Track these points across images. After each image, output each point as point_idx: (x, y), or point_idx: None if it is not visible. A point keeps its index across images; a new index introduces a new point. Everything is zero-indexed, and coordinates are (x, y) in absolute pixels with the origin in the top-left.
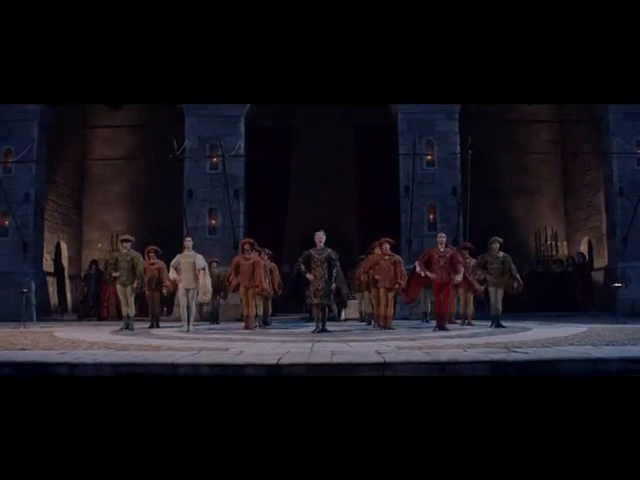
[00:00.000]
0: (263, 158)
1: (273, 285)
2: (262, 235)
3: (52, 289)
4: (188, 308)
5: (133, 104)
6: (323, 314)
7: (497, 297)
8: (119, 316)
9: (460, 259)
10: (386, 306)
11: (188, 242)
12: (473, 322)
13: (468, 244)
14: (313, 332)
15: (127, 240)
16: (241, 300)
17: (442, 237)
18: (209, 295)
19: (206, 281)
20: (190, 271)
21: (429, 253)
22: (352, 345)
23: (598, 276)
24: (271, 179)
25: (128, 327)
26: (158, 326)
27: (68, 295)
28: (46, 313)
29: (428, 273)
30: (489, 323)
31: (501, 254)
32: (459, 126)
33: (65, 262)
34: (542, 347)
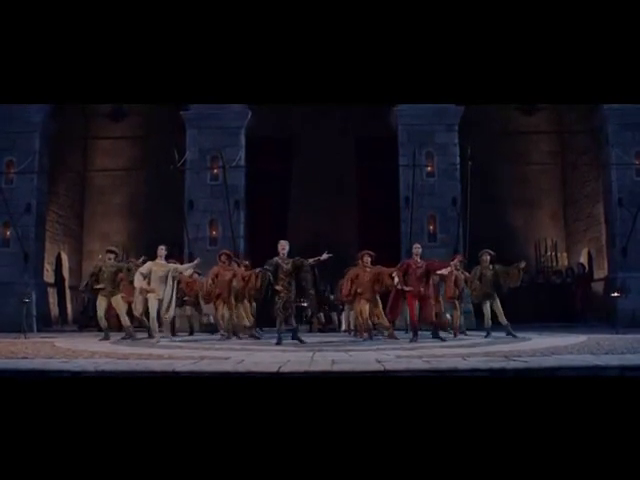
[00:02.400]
0: (264, 169)
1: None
2: (262, 246)
3: (53, 300)
4: (155, 319)
5: (134, 115)
6: (293, 326)
7: (498, 309)
8: (119, 327)
9: (437, 268)
10: (376, 316)
11: (161, 250)
12: (465, 334)
13: (459, 256)
14: (277, 344)
15: (112, 251)
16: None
17: (417, 248)
18: (171, 312)
19: (172, 298)
20: (163, 282)
21: (407, 264)
22: (352, 354)
23: (598, 287)
24: (272, 190)
25: (128, 336)
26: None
27: (68, 306)
28: (46, 324)
29: (405, 287)
30: (484, 334)
31: (491, 267)
32: (459, 137)
33: (66, 273)
34: (541, 356)
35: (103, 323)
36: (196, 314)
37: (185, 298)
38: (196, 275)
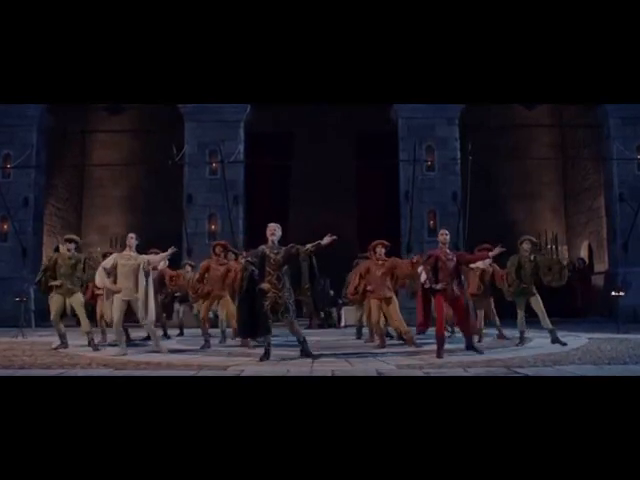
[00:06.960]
0: (263, 164)
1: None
2: (262, 241)
3: None
4: (118, 324)
5: (132, 109)
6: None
7: (540, 309)
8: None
9: (470, 261)
10: (391, 320)
11: (131, 239)
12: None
13: (487, 245)
14: (261, 359)
15: (71, 240)
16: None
17: (445, 234)
18: (151, 316)
19: (149, 297)
20: (131, 278)
21: (436, 256)
22: (353, 363)
23: (598, 280)
24: (271, 185)
25: (90, 344)
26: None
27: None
28: (44, 319)
29: (436, 285)
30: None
31: (532, 256)
32: (459, 131)
33: None
34: (543, 366)
35: (59, 328)
36: (187, 310)
37: (177, 294)
38: (188, 268)
